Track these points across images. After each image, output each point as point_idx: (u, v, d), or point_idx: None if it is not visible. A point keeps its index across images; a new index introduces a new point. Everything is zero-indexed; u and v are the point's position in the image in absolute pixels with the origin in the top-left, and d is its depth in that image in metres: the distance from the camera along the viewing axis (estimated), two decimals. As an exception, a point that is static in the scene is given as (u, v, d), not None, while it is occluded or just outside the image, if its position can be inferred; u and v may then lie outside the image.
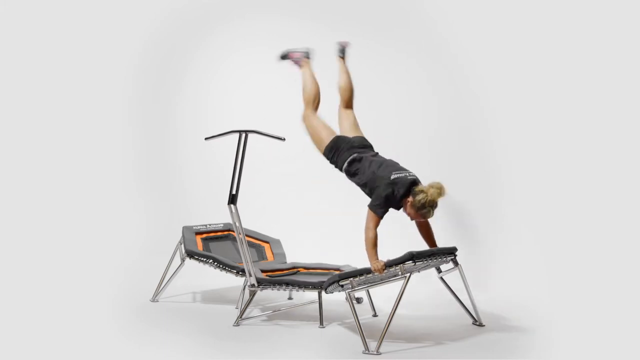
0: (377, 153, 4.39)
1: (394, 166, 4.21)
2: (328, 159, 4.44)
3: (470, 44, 6.10)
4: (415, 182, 4.12)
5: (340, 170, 4.38)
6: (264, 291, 4.88)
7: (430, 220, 4.27)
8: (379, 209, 4.07)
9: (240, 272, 4.71)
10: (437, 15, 6.24)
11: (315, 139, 4.50)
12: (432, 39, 6.29)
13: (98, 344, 4.02)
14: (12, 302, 4.86)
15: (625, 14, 5.30)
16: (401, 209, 4.17)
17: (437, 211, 4.11)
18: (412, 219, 4.18)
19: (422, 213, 4.06)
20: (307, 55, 4.76)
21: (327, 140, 4.43)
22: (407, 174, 4.14)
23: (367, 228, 4.09)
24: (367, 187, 4.21)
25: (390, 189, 4.07)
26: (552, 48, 5.68)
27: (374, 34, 6.62)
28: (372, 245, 4.03)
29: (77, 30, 6.86)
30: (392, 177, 4.10)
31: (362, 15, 6.67)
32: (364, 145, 4.40)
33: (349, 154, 4.32)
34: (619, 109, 5.30)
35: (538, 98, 5.76)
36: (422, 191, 4.03)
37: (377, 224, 4.08)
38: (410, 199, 4.06)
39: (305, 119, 4.57)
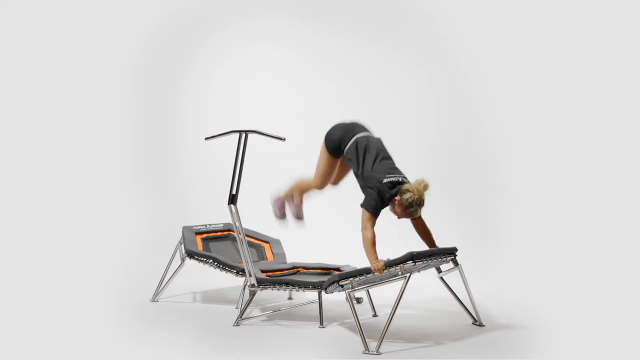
0: (379, 139, 4.35)
1: (388, 166, 4.20)
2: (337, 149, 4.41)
3: (470, 44, 6.10)
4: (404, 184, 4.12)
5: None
6: (264, 291, 4.88)
7: (429, 220, 4.27)
8: (372, 209, 4.08)
9: (240, 272, 4.71)
10: (437, 15, 6.24)
11: (323, 168, 4.48)
12: (432, 39, 6.29)
13: (98, 343, 4.02)
14: (12, 301, 4.85)
15: (624, 14, 5.31)
16: (388, 207, 4.18)
17: (437, 211, 4.10)
18: (399, 217, 4.18)
19: (410, 212, 4.08)
20: (276, 201, 4.75)
21: (325, 159, 4.42)
22: (399, 178, 4.13)
23: (364, 228, 4.08)
24: (362, 179, 4.20)
25: (382, 191, 4.07)
26: (552, 48, 5.69)
27: (374, 34, 6.62)
28: (371, 244, 4.03)
29: (77, 30, 6.86)
30: (384, 180, 4.09)
31: (362, 15, 6.67)
32: (362, 129, 4.39)
33: (350, 137, 4.30)
34: (618, 109, 5.31)
35: (538, 98, 5.77)
36: (408, 190, 4.04)
37: (373, 223, 4.08)
38: (397, 197, 4.07)
39: (317, 188, 4.55)
